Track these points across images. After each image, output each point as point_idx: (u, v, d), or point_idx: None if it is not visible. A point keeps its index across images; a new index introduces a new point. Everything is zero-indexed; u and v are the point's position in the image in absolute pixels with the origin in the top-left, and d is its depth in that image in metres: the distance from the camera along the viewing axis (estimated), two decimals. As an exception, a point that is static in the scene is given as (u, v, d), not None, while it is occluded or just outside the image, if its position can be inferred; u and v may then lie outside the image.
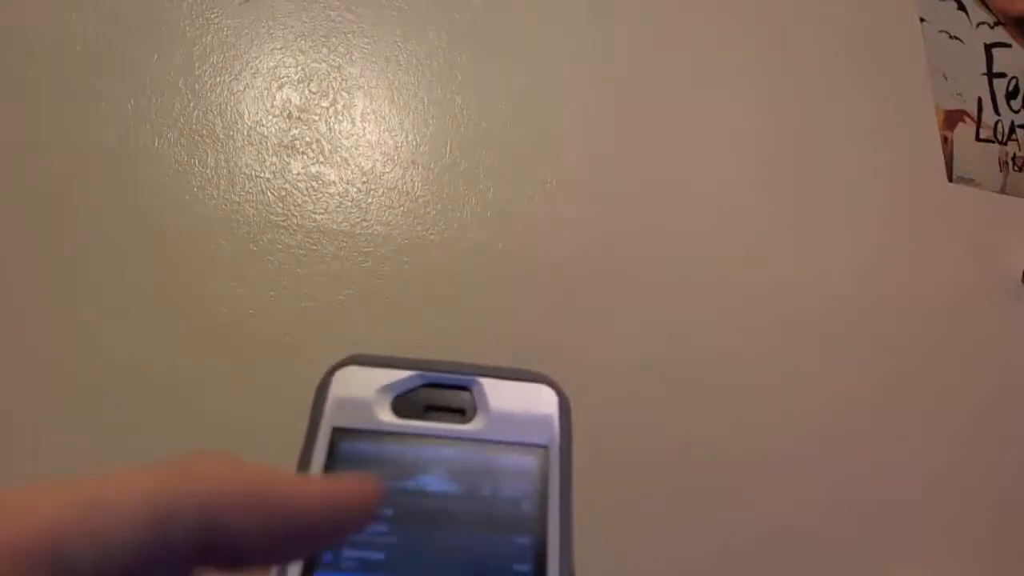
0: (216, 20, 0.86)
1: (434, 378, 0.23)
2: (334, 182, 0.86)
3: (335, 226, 0.84)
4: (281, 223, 0.82)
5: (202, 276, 0.79)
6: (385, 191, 0.87)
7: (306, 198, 0.84)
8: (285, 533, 0.17)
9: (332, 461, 0.21)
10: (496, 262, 0.89)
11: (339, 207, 0.85)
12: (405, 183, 0.88)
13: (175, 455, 0.17)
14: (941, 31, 1.26)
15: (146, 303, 0.77)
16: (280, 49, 0.88)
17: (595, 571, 0.85)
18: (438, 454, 0.22)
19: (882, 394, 1.03)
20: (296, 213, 0.83)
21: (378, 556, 0.20)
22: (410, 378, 0.23)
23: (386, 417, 0.22)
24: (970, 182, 1.20)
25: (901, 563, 0.97)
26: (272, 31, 0.88)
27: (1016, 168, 1.25)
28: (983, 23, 1.30)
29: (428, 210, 0.88)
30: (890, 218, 1.12)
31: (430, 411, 0.23)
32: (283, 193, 0.83)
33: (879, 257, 1.09)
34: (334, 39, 0.90)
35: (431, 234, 0.87)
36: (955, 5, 1.29)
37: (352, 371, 0.23)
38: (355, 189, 0.86)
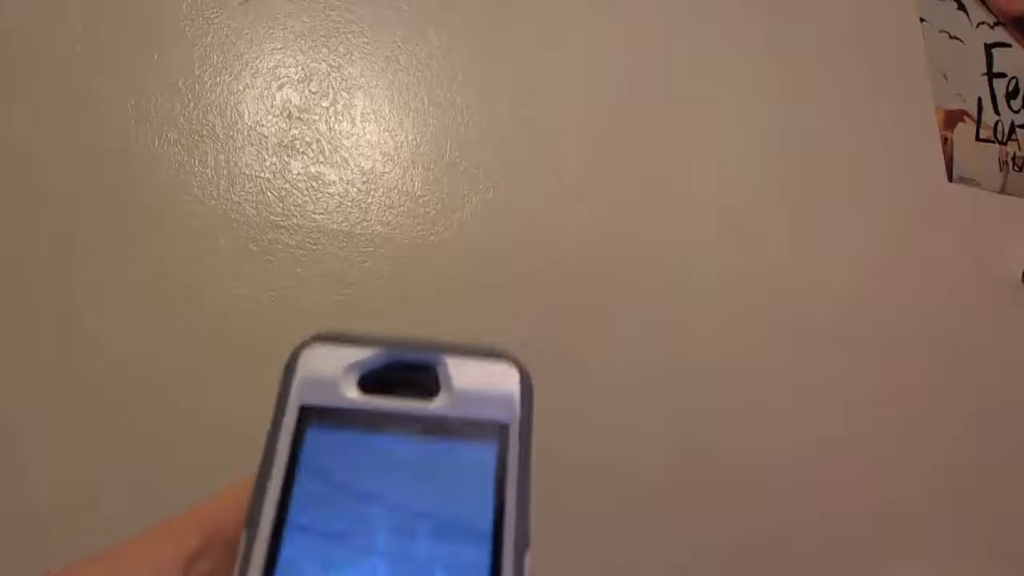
0: (216, 20, 0.86)
1: (399, 355, 0.24)
2: (334, 182, 0.86)
3: (335, 226, 0.84)
4: (281, 223, 0.82)
5: (202, 276, 0.79)
6: (385, 191, 0.87)
7: (306, 198, 0.84)
8: None
9: (299, 439, 0.22)
10: (496, 262, 0.89)
11: (339, 207, 0.85)
12: (405, 183, 0.88)
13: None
14: (941, 31, 1.26)
15: (146, 303, 0.77)
16: (280, 49, 0.88)
17: (595, 571, 0.85)
18: (403, 430, 0.22)
19: (882, 394, 1.03)
20: (296, 213, 0.83)
21: (340, 526, 0.21)
22: (376, 356, 0.23)
23: (352, 394, 0.23)
24: (970, 182, 1.20)
25: (901, 563, 0.97)
26: (272, 31, 0.88)
27: (1016, 168, 1.25)
28: (983, 23, 1.30)
29: (428, 210, 0.88)
30: (890, 218, 1.12)
31: (396, 388, 0.23)
32: (283, 193, 0.83)
33: (879, 257, 1.09)
34: (334, 39, 0.90)
35: (431, 234, 0.87)
36: (955, 5, 1.29)
37: (319, 349, 0.24)
38: (355, 189, 0.86)
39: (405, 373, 0.23)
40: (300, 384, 0.23)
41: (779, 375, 0.98)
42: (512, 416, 0.23)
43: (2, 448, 0.70)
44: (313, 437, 0.22)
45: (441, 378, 0.23)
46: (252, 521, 0.21)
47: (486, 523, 0.21)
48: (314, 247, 0.83)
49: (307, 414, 0.22)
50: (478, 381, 0.23)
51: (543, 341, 0.88)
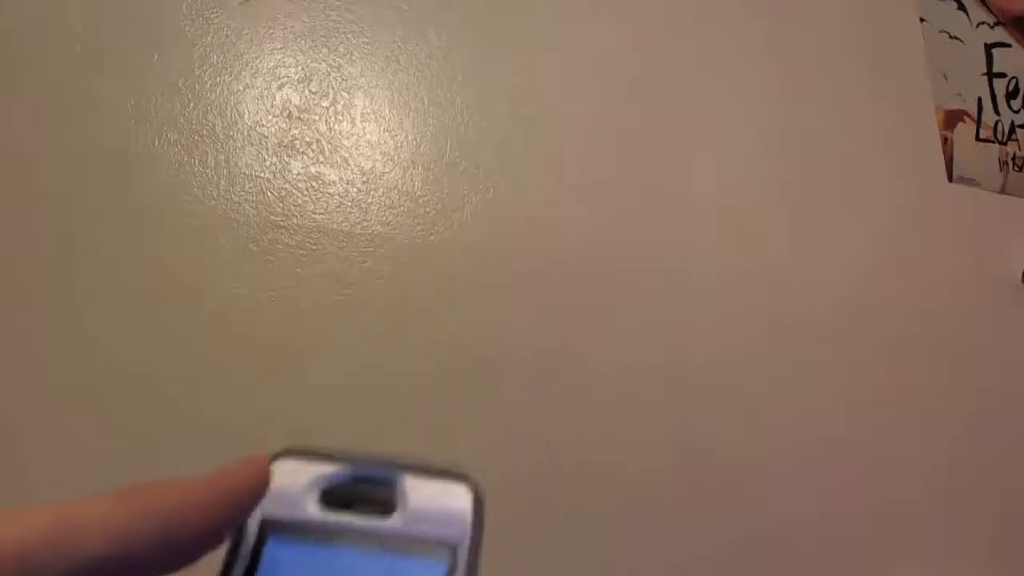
0: (216, 20, 0.86)
1: (360, 472, 0.25)
2: (334, 182, 0.86)
3: (335, 226, 0.84)
4: (281, 223, 0.82)
5: (202, 276, 0.79)
6: (385, 191, 0.87)
7: (306, 198, 0.84)
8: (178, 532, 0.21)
9: (259, 547, 0.24)
10: (496, 262, 0.89)
11: (339, 207, 0.85)
12: (405, 183, 0.88)
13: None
14: (941, 31, 1.26)
15: (146, 303, 0.77)
16: (280, 49, 0.88)
17: (595, 571, 0.85)
18: (359, 545, 0.24)
19: (882, 394, 1.03)
20: (296, 213, 0.83)
21: None
22: (338, 472, 0.25)
23: (312, 509, 0.24)
24: (970, 182, 1.20)
25: (901, 563, 0.97)
26: (272, 31, 0.88)
27: (1016, 168, 1.25)
28: (983, 23, 1.30)
29: (428, 210, 0.88)
30: (890, 218, 1.12)
31: (355, 503, 0.25)
32: (283, 193, 0.83)
33: (879, 257, 1.09)
34: (334, 39, 0.90)
35: (431, 234, 0.87)
36: (955, 5, 1.29)
37: (285, 463, 0.25)
38: (355, 189, 0.86)
39: (365, 488, 0.25)
40: (266, 497, 0.25)
41: (779, 375, 0.98)
42: (463, 535, 0.24)
43: (2, 448, 0.70)
44: (272, 549, 0.24)
45: (399, 496, 0.25)
46: None
47: None
48: (314, 247, 0.83)
49: (268, 525, 0.24)
50: (433, 500, 0.25)
51: (543, 341, 0.88)
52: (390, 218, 0.86)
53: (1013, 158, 1.25)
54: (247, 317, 0.79)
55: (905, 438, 1.03)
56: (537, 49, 0.99)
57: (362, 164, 0.87)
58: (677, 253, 0.98)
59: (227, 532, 0.23)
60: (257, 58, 0.86)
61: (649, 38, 1.05)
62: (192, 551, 0.22)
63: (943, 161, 1.19)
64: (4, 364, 0.71)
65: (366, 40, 0.91)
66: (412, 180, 0.88)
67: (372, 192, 0.87)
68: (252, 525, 0.24)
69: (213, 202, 0.81)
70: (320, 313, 0.80)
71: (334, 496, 0.25)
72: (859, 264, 1.08)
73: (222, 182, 0.81)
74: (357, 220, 0.85)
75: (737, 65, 1.09)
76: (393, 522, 0.24)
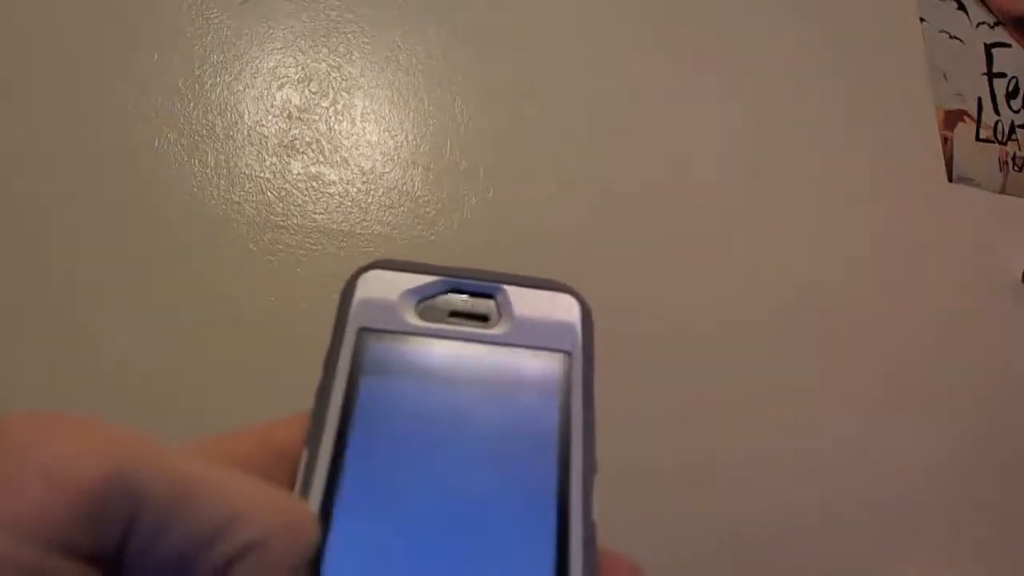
0: (216, 20, 0.86)
1: (458, 283, 0.23)
2: (334, 182, 0.86)
3: (335, 226, 0.84)
4: (281, 223, 0.82)
5: (201, 276, 0.79)
6: (385, 191, 0.87)
7: (306, 198, 0.84)
8: None
9: (358, 361, 0.22)
10: (496, 262, 0.89)
11: (339, 207, 0.85)
12: (405, 183, 0.88)
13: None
14: (941, 31, 1.26)
15: (145, 303, 0.77)
16: (280, 49, 0.88)
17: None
18: (463, 356, 0.22)
19: (882, 394, 1.03)
20: (296, 213, 0.83)
21: (405, 453, 0.20)
22: (435, 283, 0.23)
23: (411, 319, 0.23)
24: (970, 182, 1.20)
25: (901, 563, 0.97)
26: (272, 31, 0.88)
27: (1016, 168, 1.25)
28: (983, 23, 1.30)
29: (428, 210, 0.88)
30: (890, 218, 1.12)
31: (454, 315, 0.23)
32: (283, 193, 0.83)
33: (879, 257, 1.09)
34: (334, 39, 0.90)
35: (431, 234, 0.87)
36: (955, 5, 1.29)
37: (377, 274, 0.23)
38: (355, 189, 0.86)
39: (465, 301, 0.23)
40: (358, 307, 0.23)
41: (777, 375, 0.98)
42: (574, 345, 0.23)
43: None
44: (371, 359, 0.22)
45: (501, 307, 0.23)
46: (314, 437, 0.20)
47: (552, 448, 0.21)
48: (314, 247, 0.83)
49: (365, 336, 0.22)
50: (539, 310, 0.23)
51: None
52: (390, 218, 0.86)
53: (1013, 158, 1.25)
54: (247, 317, 0.79)
55: (905, 438, 1.03)
56: (537, 49, 0.99)
57: (362, 164, 0.87)
58: (677, 253, 0.98)
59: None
60: (257, 58, 0.86)
61: (649, 37, 1.06)
62: None
63: (943, 161, 1.19)
64: (4, 364, 0.71)
65: (366, 40, 0.91)
66: (412, 180, 0.88)
67: (372, 192, 0.87)
68: (350, 335, 0.22)
69: (213, 202, 0.81)
70: (320, 313, 0.80)
71: (432, 308, 0.23)
72: (859, 264, 1.08)
73: (222, 182, 0.81)
74: (357, 220, 0.85)
75: (737, 65, 1.09)
76: (498, 331, 0.23)
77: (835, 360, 1.02)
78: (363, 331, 0.22)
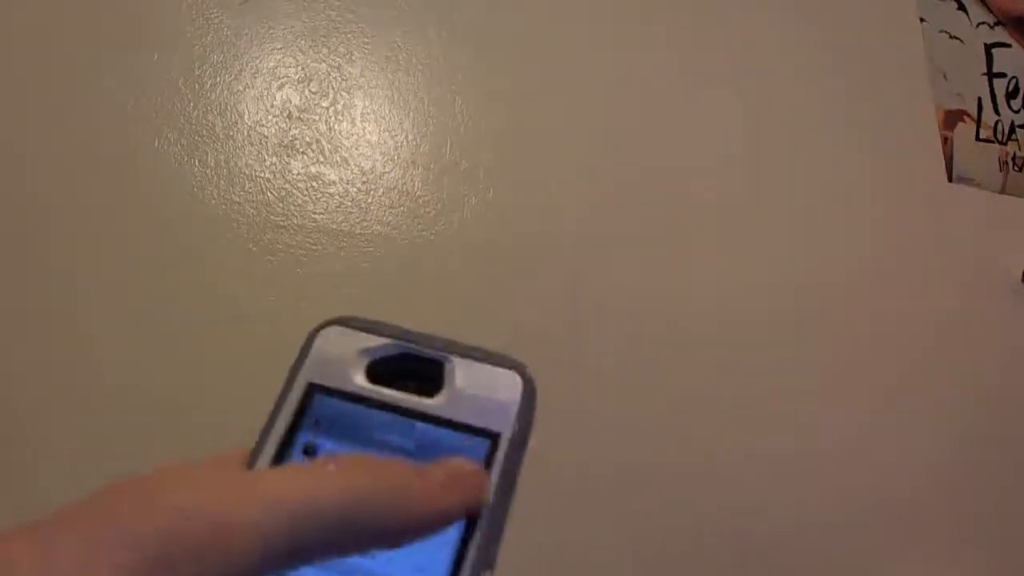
0: (216, 20, 0.86)
1: (409, 349, 0.24)
2: (334, 182, 0.86)
3: (335, 226, 0.84)
4: (281, 223, 0.82)
5: (201, 276, 0.79)
6: (385, 191, 0.87)
7: (306, 198, 0.84)
8: None
9: (300, 415, 0.23)
10: (496, 262, 0.89)
11: (339, 207, 0.85)
12: (405, 183, 0.88)
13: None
14: (941, 31, 1.26)
15: (145, 303, 0.77)
16: (280, 49, 0.88)
17: (595, 569, 0.85)
18: (395, 428, 0.23)
19: (882, 394, 1.03)
20: (296, 213, 0.83)
21: None
22: (388, 345, 0.24)
23: (359, 380, 0.23)
24: (970, 182, 1.20)
25: (901, 563, 0.97)
26: (272, 31, 0.88)
27: (1016, 168, 1.25)
28: (983, 23, 1.30)
29: (428, 210, 0.88)
30: (890, 218, 1.12)
31: (401, 380, 0.24)
32: (283, 193, 0.83)
33: (879, 257, 1.09)
34: (334, 39, 0.90)
35: (431, 234, 0.87)
36: (955, 5, 1.29)
37: (337, 331, 0.25)
38: (355, 189, 0.86)
39: (413, 366, 0.24)
40: (312, 362, 0.24)
41: (777, 375, 0.98)
42: (505, 426, 0.23)
43: (2, 448, 0.70)
44: (313, 413, 0.23)
45: (447, 377, 0.24)
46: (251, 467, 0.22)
47: (452, 538, 0.21)
48: (314, 247, 0.83)
49: (313, 390, 0.23)
50: (481, 386, 0.24)
51: (542, 341, 0.88)
52: (390, 218, 0.86)
53: (1013, 158, 1.25)
54: (247, 317, 0.79)
55: (905, 437, 1.03)
56: (537, 49, 0.99)
57: (362, 164, 0.87)
58: (677, 253, 0.98)
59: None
60: (257, 58, 0.86)
61: (649, 38, 1.05)
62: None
63: (943, 161, 1.18)
64: (4, 364, 0.71)
65: (366, 40, 0.91)
66: (412, 180, 0.88)
67: (372, 192, 0.87)
68: (298, 387, 0.23)
69: (213, 202, 0.81)
70: (320, 313, 0.80)
71: (381, 370, 0.24)
72: (859, 264, 1.07)
73: (222, 182, 0.81)
74: (357, 220, 0.85)
75: (737, 65, 1.09)
76: (436, 403, 0.23)
77: (835, 360, 1.02)
78: (312, 386, 0.23)
